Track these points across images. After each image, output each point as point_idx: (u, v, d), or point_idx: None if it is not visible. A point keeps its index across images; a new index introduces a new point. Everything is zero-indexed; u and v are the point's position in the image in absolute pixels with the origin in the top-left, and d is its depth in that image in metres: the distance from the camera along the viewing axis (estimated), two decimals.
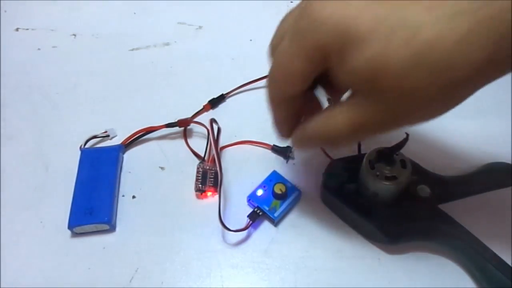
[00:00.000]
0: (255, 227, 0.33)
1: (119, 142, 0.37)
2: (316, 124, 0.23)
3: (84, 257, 0.32)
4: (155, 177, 0.36)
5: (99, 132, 0.38)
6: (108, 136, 0.38)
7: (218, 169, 0.33)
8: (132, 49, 0.46)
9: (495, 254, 0.28)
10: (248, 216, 0.32)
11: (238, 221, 0.32)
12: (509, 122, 0.37)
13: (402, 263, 0.31)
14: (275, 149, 0.36)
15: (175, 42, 0.47)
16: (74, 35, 0.48)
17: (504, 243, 0.30)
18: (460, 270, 0.30)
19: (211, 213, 0.32)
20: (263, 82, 0.40)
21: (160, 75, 0.43)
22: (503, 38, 0.17)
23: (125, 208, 0.34)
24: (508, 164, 0.33)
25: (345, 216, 0.32)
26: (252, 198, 0.33)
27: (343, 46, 0.19)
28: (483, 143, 0.36)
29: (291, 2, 0.50)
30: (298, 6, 0.22)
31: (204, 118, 0.38)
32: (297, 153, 0.36)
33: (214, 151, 0.34)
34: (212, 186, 0.34)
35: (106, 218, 0.32)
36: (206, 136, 0.36)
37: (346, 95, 0.22)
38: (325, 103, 0.27)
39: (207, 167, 0.35)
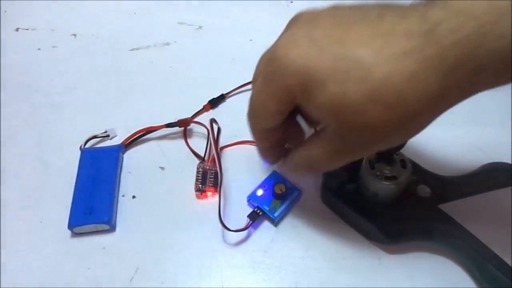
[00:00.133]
0: (255, 227, 0.33)
1: (119, 142, 0.37)
2: (299, 158, 0.26)
3: (84, 257, 0.32)
4: (155, 177, 0.36)
5: (99, 132, 0.38)
6: (108, 136, 0.38)
7: (218, 169, 0.33)
8: (132, 49, 0.46)
9: (495, 254, 0.28)
10: (248, 216, 0.32)
11: (238, 221, 0.32)
12: (509, 122, 0.37)
13: (402, 263, 0.31)
14: None
15: (175, 42, 0.47)
16: (74, 35, 0.48)
17: (504, 243, 0.30)
18: (460, 270, 0.30)
19: (211, 213, 0.32)
20: None
21: (160, 75, 0.44)
22: (448, 75, 0.19)
23: (125, 208, 0.34)
24: (508, 164, 0.33)
25: (345, 216, 0.32)
26: (252, 198, 0.33)
27: (307, 88, 0.21)
28: (483, 143, 0.36)
29: (291, 2, 0.50)
30: (270, 47, 0.24)
31: (204, 118, 0.39)
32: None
33: (214, 151, 0.34)
34: (212, 186, 0.34)
35: (106, 218, 0.32)
36: (206, 136, 0.36)
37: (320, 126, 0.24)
38: (306, 128, 0.29)
39: (207, 167, 0.35)
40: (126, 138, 0.37)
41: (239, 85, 0.41)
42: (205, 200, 0.34)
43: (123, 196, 0.35)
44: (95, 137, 0.37)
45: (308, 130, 0.29)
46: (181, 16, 0.49)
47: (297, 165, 0.26)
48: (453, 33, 0.18)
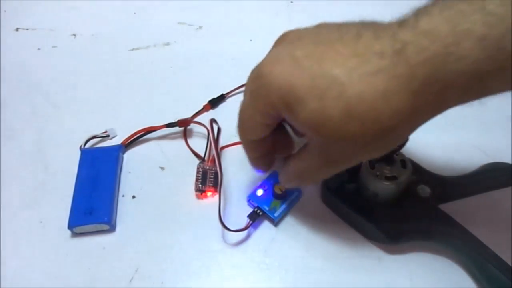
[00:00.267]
0: (255, 227, 0.33)
1: (119, 142, 0.37)
2: (291, 169, 0.27)
3: (84, 257, 0.32)
4: (155, 177, 0.36)
5: (99, 132, 0.38)
6: (108, 136, 0.38)
7: (218, 169, 0.33)
8: (132, 49, 0.46)
9: (495, 254, 0.28)
10: (248, 216, 0.32)
11: (238, 221, 0.32)
12: (509, 123, 0.37)
13: (402, 263, 0.31)
14: None
15: (175, 42, 0.47)
16: (74, 35, 0.48)
17: (504, 243, 0.30)
18: (460, 270, 0.30)
19: (211, 213, 0.32)
20: None
21: (160, 75, 0.44)
22: (417, 92, 0.20)
23: (125, 208, 0.34)
24: (508, 164, 0.33)
25: (345, 216, 0.32)
26: (252, 198, 0.33)
27: (289, 104, 0.22)
28: (483, 143, 0.36)
29: (291, 2, 0.50)
30: (258, 64, 0.25)
31: (204, 118, 0.38)
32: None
33: (214, 151, 0.34)
34: (212, 186, 0.34)
35: (106, 218, 0.32)
36: (206, 136, 0.36)
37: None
38: (295, 137, 0.30)
39: (207, 167, 0.35)
40: (126, 138, 0.37)
41: (239, 85, 0.41)
42: (205, 200, 0.34)
43: (123, 196, 0.35)
44: (95, 137, 0.38)
45: (297, 139, 0.30)
46: (181, 16, 0.49)
47: (289, 176, 0.28)
48: (419, 53, 0.19)
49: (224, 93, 0.41)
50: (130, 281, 0.30)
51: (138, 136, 0.38)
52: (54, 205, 0.34)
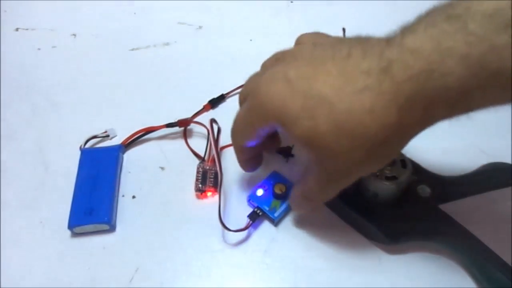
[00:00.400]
0: (255, 227, 0.33)
1: (119, 142, 0.37)
2: (298, 192, 0.29)
3: (84, 257, 0.32)
4: (155, 177, 0.36)
5: (99, 132, 0.38)
6: (108, 136, 0.38)
7: (218, 169, 0.33)
8: (132, 49, 0.46)
9: (495, 254, 0.28)
10: (248, 216, 0.32)
11: (238, 221, 0.32)
12: (509, 123, 0.37)
13: (402, 263, 0.31)
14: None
15: (175, 42, 0.47)
16: (74, 35, 0.48)
17: (504, 243, 0.30)
18: (460, 270, 0.30)
19: (211, 213, 0.32)
20: None
21: (160, 75, 0.44)
22: (403, 108, 0.21)
23: (125, 208, 0.34)
24: (508, 164, 0.33)
25: (345, 216, 0.32)
26: (252, 198, 0.33)
27: (283, 123, 0.24)
28: (483, 143, 0.36)
29: (291, 2, 0.50)
30: (259, 73, 0.27)
31: (204, 118, 0.38)
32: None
33: (214, 151, 0.34)
34: (212, 186, 0.34)
35: (106, 218, 0.32)
36: (206, 136, 0.36)
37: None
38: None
39: (207, 167, 0.35)
40: (126, 138, 0.37)
41: (239, 85, 0.41)
42: (205, 200, 0.34)
43: (123, 196, 0.35)
44: (95, 137, 0.38)
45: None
46: (181, 16, 0.49)
47: (298, 199, 0.30)
48: (405, 70, 0.20)
49: (224, 93, 0.41)
50: (130, 281, 0.30)
51: (138, 136, 0.38)
52: (54, 205, 0.34)
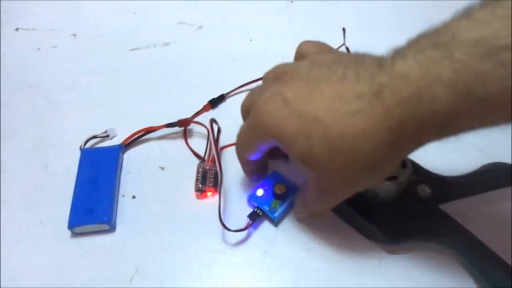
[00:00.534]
0: (255, 227, 0.33)
1: (119, 142, 0.37)
2: (300, 202, 0.31)
3: (84, 257, 0.32)
4: (155, 177, 0.36)
5: (99, 132, 0.38)
6: (108, 136, 0.38)
7: (218, 169, 0.33)
8: (132, 49, 0.46)
9: (495, 254, 0.28)
10: (248, 216, 0.32)
11: (238, 221, 0.32)
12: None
13: (402, 263, 0.31)
14: None
15: (175, 42, 0.47)
16: (74, 35, 0.48)
17: (504, 243, 0.30)
18: (460, 270, 0.30)
19: (211, 213, 0.32)
20: None
21: (160, 75, 0.44)
22: (394, 130, 0.22)
23: (125, 208, 0.34)
24: (508, 164, 0.34)
25: (345, 216, 0.32)
26: (252, 198, 0.33)
27: (281, 142, 0.25)
28: (483, 143, 0.36)
29: (291, 2, 0.50)
30: (260, 87, 0.28)
31: (204, 118, 0.38)
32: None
33: (214, 151, 0.34)
34: (212, 186, 0.34)
35: (106, 218, 0.32)
36: (206, 136, 0.36)
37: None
38: None
39: (207, 167, 0.35)
40: (126, 138, 0.37)
41: (239, 85, 0.41)
42: (205, 200, 0.34)
43: (123, 196, 0.35)
44: (95, 137, 0.38)
45: None
46: (181, 16, 0.49)
47: (299, 207, 0.31)
48: (395, 95, 0.21)
49: (224, 93, 0.41)
50: (130, 281, 0.30)
51: (138, 136, 0.38)
52: (54, 205, 0.34)
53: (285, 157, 0.34)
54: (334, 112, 0.23)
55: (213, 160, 0.34)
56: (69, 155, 0.36)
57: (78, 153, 0.36)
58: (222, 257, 0.31)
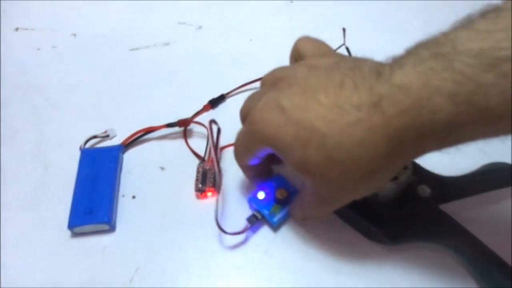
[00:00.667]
0: (254, 231, 0.32)
1: (119, 142, 0.37)
2: (297, 206, 0.31)
3: (84, 257, 0.32)
4: (155, 177, 0.36)
5: (99, 132, 0.38)
6: (108, 136, 0.38)
7: (216, 170, 0.33)
8: (132, 49, 0.46)
9: (495, 254, 0.28)
10: (247, 219, 0.32)
11: (238, 222, 0.32)
12: None
13: (402, 264, 0.31)
14: None
15: (175, 42, 0.47)
16: (74, 35, 0.48)
17: (504, 243, 0.30)
18: (460, 270, 0.30)
19: (211, 213, 0.32)
20: None
21: (160, 75, 0.43)
22: (393, 140, 0.22)
23: (125, 208, 0.34)
24: (508, 164, 0.33)
25: (345, 216, 0.32)
26: (252, 200, 0.32)
27: (277, 150, 0.25)
28: (483, 143, 0.36)
29: (291, 2, 0.50)
30: (258, 93, 0.28)
31: (204, 118, 0.38)
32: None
33: (213, 154, 0.34)
34: (212, 186, 0.34)
35: (106, 218, 0.32)
36: (206, 136, 0.36)
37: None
38: None
39: (207, 167, 0.35)
40: (126, 138, 0.37)
41: (239, 85, 0.41)
42: (205, 200, 0.34)
43: (123, 196, 0.35)
44: (95, 137, 0.38)
45: None
46: (181, 16, 0.49)
47: (296, 210, 0.31)
48: (394, 106, 0.21)
49: (224, 93, 0.41)
50: (130, 281, 0.30)
51: (138, 136, 0.38)
52: (54, 205, 0.34)
53: None
54: (331, 122, 0.22)
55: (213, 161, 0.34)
56: (69, 155, 0.36)
57: (78, 153, 0.36)
58: (222, 257, 0.31)
